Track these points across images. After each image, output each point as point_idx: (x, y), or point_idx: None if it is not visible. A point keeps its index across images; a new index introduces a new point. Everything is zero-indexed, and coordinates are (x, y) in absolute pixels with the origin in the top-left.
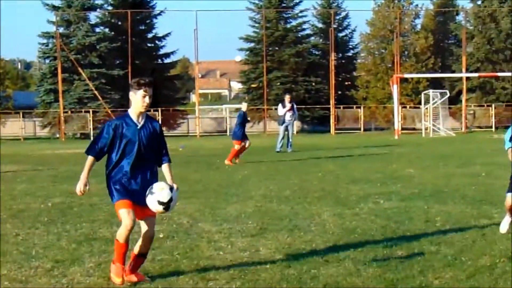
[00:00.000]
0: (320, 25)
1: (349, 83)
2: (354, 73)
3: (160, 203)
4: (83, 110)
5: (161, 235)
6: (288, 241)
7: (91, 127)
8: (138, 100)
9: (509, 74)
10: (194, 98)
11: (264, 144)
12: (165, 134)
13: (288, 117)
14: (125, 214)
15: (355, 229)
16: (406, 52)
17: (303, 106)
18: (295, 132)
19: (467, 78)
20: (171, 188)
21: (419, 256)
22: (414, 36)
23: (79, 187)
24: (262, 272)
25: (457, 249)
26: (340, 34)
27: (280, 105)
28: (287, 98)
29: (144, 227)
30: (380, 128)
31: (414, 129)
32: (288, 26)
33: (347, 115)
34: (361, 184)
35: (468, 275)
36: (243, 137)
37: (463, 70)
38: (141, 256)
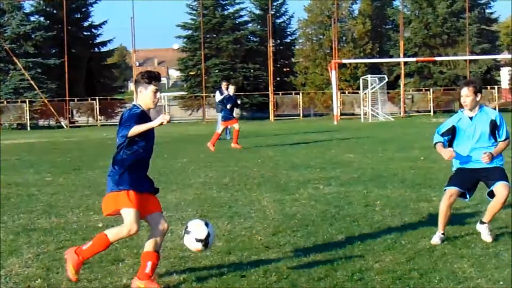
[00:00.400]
0: (257, 12)
1: (288, 69)
2: (293, 59)
3: (198, 240)
4: (19, 100)
5: (100, 225)
6: (228, 228)
7: (28, 117)
8: (148, 96)
9: (446, 58)
10: (132, 86)
11: (203, 132)
12: (103, 124)
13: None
14: (133, 215)
15: (295, 214)
16: (344, 38)
17: (242, 93)
18: None
19: (405, 63)
20: (207, 224)
21: (359, 240)
22: (351, 21)
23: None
24: (202, 259)
25: (396, 233)
26: (278, 21)
27: (217, 92)
28: (224, 85)
29: (158, 221)
30: (319, 114)
31: (353, 114)
32: (226, 13)
33: (286, 102)
34: (300, 169)
35: (408, 258)
36: (231, 117)
37: (401, 55)
38: (158, 252)
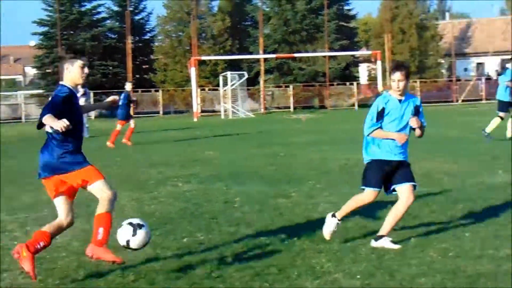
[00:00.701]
0: (115, 8)
1: (147, 66)
2: (152, 56)
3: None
4: None
5: None
6: (86, 227)
7: None
8: (76, 72)
9: (305, 54)
10: None
11: None
12: None
13: (82, 102)
14: (105, 184)
15: (153, 213)
16: (203, 35)
17: (100, 91)
18: (92, 116)
19: (265, 60)
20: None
21: (218, 237)
22: (211, 18)
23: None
24: (59, 260)
25: (255, 229)
26: (137, 17)
27: None
28: None
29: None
30: (179, 111)
31: (213, 111)
32: (83, 9)
33: (145, 99)
34: (160, 167)
35: (267, 254)
36: (127, 117)
37: (261, 51)
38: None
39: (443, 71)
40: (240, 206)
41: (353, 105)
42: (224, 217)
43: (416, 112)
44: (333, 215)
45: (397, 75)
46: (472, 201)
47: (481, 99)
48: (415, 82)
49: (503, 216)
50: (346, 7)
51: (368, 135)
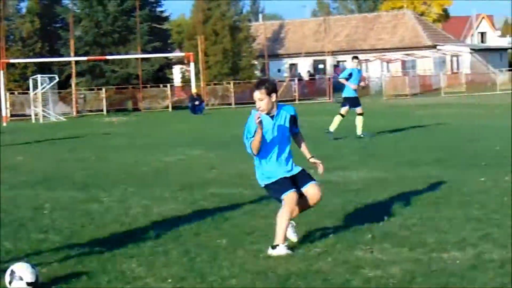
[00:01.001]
0: None
1: None
2: None
3: (29, 284)
4: None
5: None
6: None
7: None
8: None
9: (118, 57)
10: None
11: None
12: None
13: None
14: None
15: None
16: (11, 37)
17: None
18: None
19: (76, 62)
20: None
21: (26, 245)
22: (19, 20)
23: None
24: None
25: (65, 235)
26: None
27: None
28: None
29: None
30: None
31: (24, 115)
32: None
33: None
34: None
35: (77, 260)
36: None
37: (72, 54)
38: None
39: (257, 72)
40: (49, 213)
41: (167, 107)
42: (33, 224)
43: (294, 121)
44: (273, 247)
45: (256, 95)
46: None
47: (294, 100)
48: (229, 83)
49: (316, 215)
50: (158, 9)
51: (252, 152)
